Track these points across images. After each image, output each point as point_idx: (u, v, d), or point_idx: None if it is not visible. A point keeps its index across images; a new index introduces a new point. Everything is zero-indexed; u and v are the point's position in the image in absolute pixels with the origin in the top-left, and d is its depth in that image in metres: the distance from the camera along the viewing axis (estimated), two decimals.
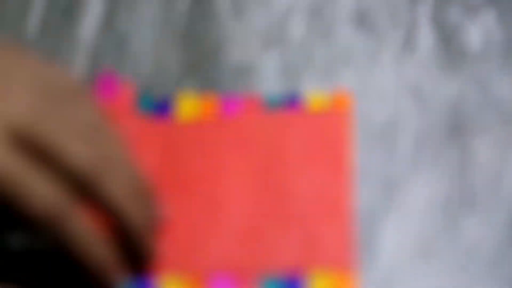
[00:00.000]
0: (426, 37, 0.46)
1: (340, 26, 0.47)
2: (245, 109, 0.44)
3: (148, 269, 0.40)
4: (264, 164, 0.43)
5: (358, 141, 0.43)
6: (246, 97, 0.44)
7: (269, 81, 0.46)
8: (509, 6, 0.47)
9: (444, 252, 0.40)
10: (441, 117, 0.44)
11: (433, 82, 0.45)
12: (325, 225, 0.41)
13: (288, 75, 0.46)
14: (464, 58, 0.46)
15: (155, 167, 0.43)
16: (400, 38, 0.46)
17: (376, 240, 0.41)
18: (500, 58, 0.46)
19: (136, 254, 0.39)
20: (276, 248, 0.40)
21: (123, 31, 0.48)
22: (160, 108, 0.44)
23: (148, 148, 0.43)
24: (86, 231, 0.37)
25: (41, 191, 0.36)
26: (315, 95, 0.44)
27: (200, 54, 0.47)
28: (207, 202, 0.42)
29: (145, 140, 0.43)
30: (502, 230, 0.41)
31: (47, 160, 0.36)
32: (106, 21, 0.48)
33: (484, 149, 0.43)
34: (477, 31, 0.46)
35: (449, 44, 0.46)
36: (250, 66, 0.46)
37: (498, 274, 0.40)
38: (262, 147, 0.43)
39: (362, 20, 0.47)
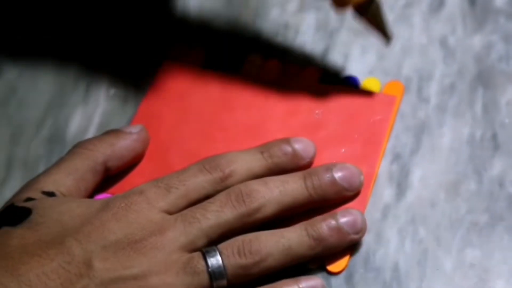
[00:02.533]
0: None
1: None
2: (303, 76, 0.48)
3: None
4: (305, 124, 0.46)
5: None
6: (305, 69, 0.48)
7: (305, 37, 0.49)
8: None
9: (467, 191, 0.44)
10: (467, 67, 0.47)
11: (459, 35, 0.48)
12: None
13: (322, 32, 0.50)
14: (488, 13, 0.49)
15: (214, 109, 0.47)
16: None
17: (406, 178, 0.44)
18: None
19: None
20: None
21: None
22: (230, 65, 0.48)
23: (210, 90, 0.47)
24: None
25: None
26: (370, 80, 0.47)
27: (241, 15, 0.51)
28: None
29: (209, 86, 0.48)
30: None
31: None
32: None
33: (508, 95, 0.46)
34: None
35: (474, 1, 0.49)
36: (287, 25, 0.50)
37: None
38: (308, 110, 0.46)
39: None
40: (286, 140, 0.44)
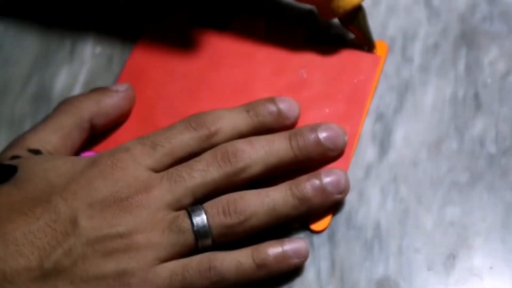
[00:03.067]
0: None
1: None
2: (290, 35, 0.48)
3: None
4: (290, 83, 0.47)
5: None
6: (292, 27, 0.48)
7: None
8: None
9: (449, 150, 0.44)
10: (451, 27, 0.48)
11: None
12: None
13: None
14: None
15: (200, 67, 0.47)
16: None
17: (388, 137, 0.45)
18: None
19: None
20: None
21: None
22: (216, 26, 0.49)
23: (195, 49, 0.48)
24: None
25: None
26: (354, 39, 0.47)
27: None
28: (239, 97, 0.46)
29: (195, 45, 0.48)
30: (505, 128, 0.44)
31: None
32: None
33: (491, 55, 0.47)
34: None
35: None
36: None
37: (501, 170, 0.43)
38: (293, 69, 0.47)
39: None
40: (272, 100, 0.45)
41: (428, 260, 0.41)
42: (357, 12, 0.46)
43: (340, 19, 0.46)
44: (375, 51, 0.47)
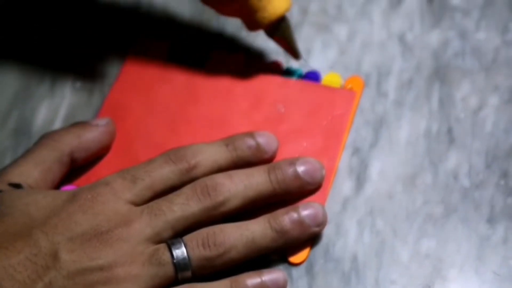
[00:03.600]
0: None
1: None
2: (266, 70, 0.49)
3: None
4: (268, 118, 0.47)
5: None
6: (269, 62, 0.49)
7: None
8: None
9: (423, 184, 0.45)
10: (424, 63, 0.49)
11: (417, 31, 0.50)
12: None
13: None
14: (445, 10, 0.50)
15: (179, 102, 0.48)
16: None
17: (365, 171, 0.46)
18: (477, 10, 0.50)
19: None
20: None
21: None
22: (195, 59, 0.50)
23: (175, 83, 0.48)
24: None
25: None
26: (331, 75, 0.49)
27: (205, 11, 0.52)
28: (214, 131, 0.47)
29: (174, 79, 0.49)
30: (478, 162, 0.45)
31: None
32: None
33: (463, 91, 0.48)
34: None
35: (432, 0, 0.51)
36: None
37: (474, 203, 0.44)
38: (271, 104, 0.48)
39: None
40: (250, 134, 0.45)
41: None
42: (281, 23, 0.47)
43: (265, 30, 0.48)
44: (301, 59, 0.48)
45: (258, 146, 0.45)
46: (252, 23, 0.47)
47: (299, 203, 0.44)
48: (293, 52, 0.48)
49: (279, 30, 0.47)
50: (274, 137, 0.46)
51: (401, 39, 0.50)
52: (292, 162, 0.44)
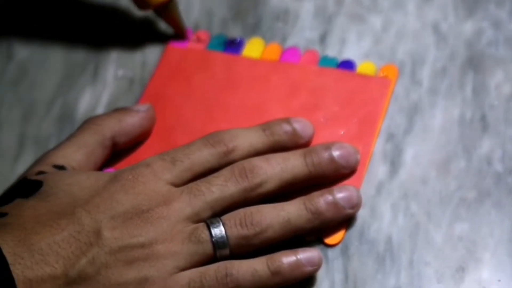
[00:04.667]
0: None
1: None
2: (303, 59, 0.50)
3: None
4: (304, 105, 0.48)
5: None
6: (305, 51, 0.50)
7: (304, 23, 0.52)
8: None
9: (457, 169, 0.46)
10: (458, 52, 0.50)
11: (451, 21, 0.51)
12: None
13: (321, 17, 0.52)
14: (479, 1, 0.51)
15: (217, 89, 0.50)
16: None
17: (399, 156, 0.47)
18: (511, 1, 0.51)
19: None
20: None
21: None
22: (231, 47, 0.51)
23: (213, 72, 0.50)
24: None
25: None
26: (366, 64, 0.50)
27: (243, 2, 0.53)
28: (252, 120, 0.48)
29: (212, 68, 0.50)
30: (511, 149, 0.46)
31: None
32: None
33: (497, 79, 0.49)
34: None
35: None
36: (287, 10, 0.52)
37: (508, 188, 0.45)
38: (307, 92, 0.49)
39: None
40: (287, 120, 0.47)
41: (438, 273, 0.43)
42: (169, 3, 0.51)
43: (154, 9, 0.51)
44: (190, 37, 0.52)
45: (294, 131, 0.46)
46: (142, 3, 0.51)
47: (334, 186, 0.45)
48: (180, 31, 0.52)
49: (167, 10, 0.51)
50: (310, 123, 0.47)
51: (435, 28, 0.51)
52: (328, 146, 0.45)
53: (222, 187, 0.43)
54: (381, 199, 0.45)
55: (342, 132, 0.47)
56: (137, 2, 0.51)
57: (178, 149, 0.45)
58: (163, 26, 0.52)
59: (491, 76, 0.49)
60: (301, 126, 0.47)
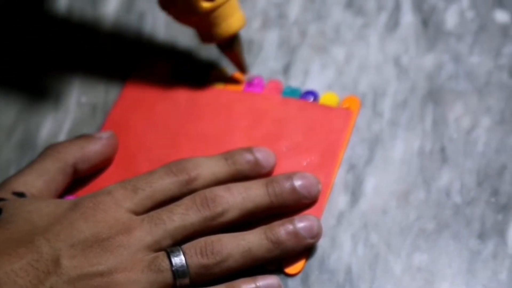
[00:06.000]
0: (407, 18, 0.53)
1: (331, 7, 0.54)
2: (266, 90, 0.51)
3: None
4: (267, 135, 0.49)
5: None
6: (269, 81, 0.51)
7: (268, 53, 0.52)
8: None
9: (417, 200, 0.46)
10: (419, 84, 0.50)
11: (412, 55, 0.51)
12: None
13: (285, 48, 0.52)
14: (440, 35, 0.52)
15: (180, 118, 0.50)
16: (385, 18, 0.53)
17: (360, 186, 0.47)
18: (471, 35, 0.52)
19: None
20: None
21: (141, 11, 0.54)
22: (196, 78, 0.51)
23: (176, 101, 0.50)
24: None
25: None
26: (329, 95, 0.50)
27: None
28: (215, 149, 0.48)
29: (176, 97, 0.50)
30: (470, 180, 0.47)
31: None
32: (127, 3, 0.54)
33: (456, 112, 0.49)
34: (452, 13, 0.53)
35: (427, 24, 0.53)
36: (251, 41, 0.53)
37: (466, 219, 0.45)
38: (270, 122, 0.49)
39: (351, 3, 0.54)
40: (249, 149, 0.47)
41: None
42: (234, 40, 0.50)
43: (218, 44, 0.50)
44: (248, 74, 0.51)
45: (256, 161, 0.46)
46: (207, 37, 0.50)
47: (296, 216, 0.45)
48: (241, 66, 0.51)
49: (231, 46, 0.50)
50: (272, 153, 0.47)
51: (397, 61, 0.51)
52: (290, 176, 0.46)
53: (183, 215, 0.43)
54: (342, 229, 0.46)
55: (305, 163, 0.47)
56: (202, 36, 0.50)
57: (140, 177, 0.45)
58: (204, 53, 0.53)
59: (451, 109, 0.49)
60: (263, 155, 0.47)
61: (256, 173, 0.46)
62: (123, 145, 0.49)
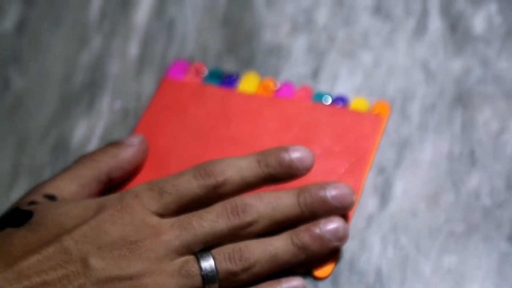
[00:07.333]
0: (435, 23, 0.53)
1: (359, 13, 0.54)
2: (297, 96, 0.51)
3: None
4: (297, 139, 0.49)
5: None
6: (300, 87, 0.51)
7: (297, 58, 0.53)
8: None
9: (446, 202, 0.47)
10: (447, 88, 0.51)
11: (440, 59, 0.52)
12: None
13: (314, 53, 0.53)
14: (468, 40, 0.52)
15: (211, 122, 0.50)
16: (413, 23, 0.53)
17: (389, 189, 0.47)
18: (499, 40, 0.52)
19: None
20: None
21: (171, 17, 0.55)
22: (226, 81, 0.52)
23: (208, 105, 0.51)
24: None
25: None
26: (359, 100, 0.51)
27: (237, 36, 0.54)
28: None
29: (207, 101, 0.51)
30: (499, 183, 0.47)
31: None
32: (157, 9, 0.55)
33: (485, 115, 0.50)
34: (480, 18, 0.53)
35: (455, 29, 0.53)
36: (280, 46, 0.53)
37: (495, 222, 0.46)
38: (300, 127, 0.50)
39: (379, 9, 0.54)
40: (285, 148, 0.46)
41: None
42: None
43: None
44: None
45: (290, 163, 0.46)
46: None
47: (322, 218, 0.45)
48: None
49: None
50: (310, 152, 0.46)
51: (425, 66, 0.52)
52: (323, 186, 0.45)
53: (213, 222, 0.44)
54: (371, 231, 0.46)
55: (333, 165, 0.48)
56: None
57: (167, 179, 0.45)
58: None
59: (480, 113, 0.50)
60: (299, 157, 0.46)
61: (289, 176, 0.46)
62: (154, 149, 0.50)
